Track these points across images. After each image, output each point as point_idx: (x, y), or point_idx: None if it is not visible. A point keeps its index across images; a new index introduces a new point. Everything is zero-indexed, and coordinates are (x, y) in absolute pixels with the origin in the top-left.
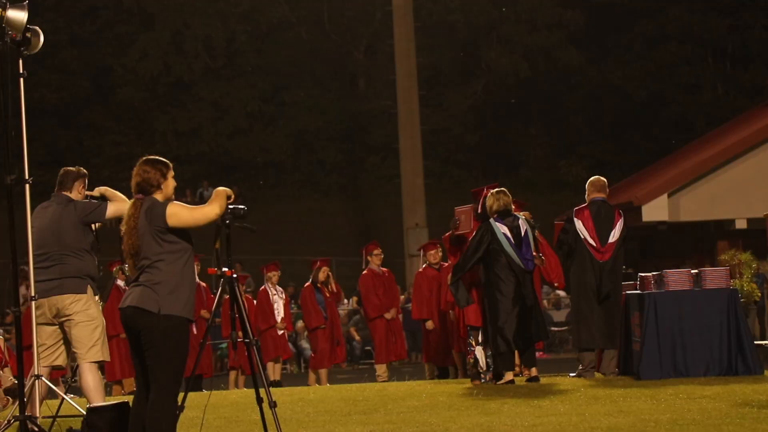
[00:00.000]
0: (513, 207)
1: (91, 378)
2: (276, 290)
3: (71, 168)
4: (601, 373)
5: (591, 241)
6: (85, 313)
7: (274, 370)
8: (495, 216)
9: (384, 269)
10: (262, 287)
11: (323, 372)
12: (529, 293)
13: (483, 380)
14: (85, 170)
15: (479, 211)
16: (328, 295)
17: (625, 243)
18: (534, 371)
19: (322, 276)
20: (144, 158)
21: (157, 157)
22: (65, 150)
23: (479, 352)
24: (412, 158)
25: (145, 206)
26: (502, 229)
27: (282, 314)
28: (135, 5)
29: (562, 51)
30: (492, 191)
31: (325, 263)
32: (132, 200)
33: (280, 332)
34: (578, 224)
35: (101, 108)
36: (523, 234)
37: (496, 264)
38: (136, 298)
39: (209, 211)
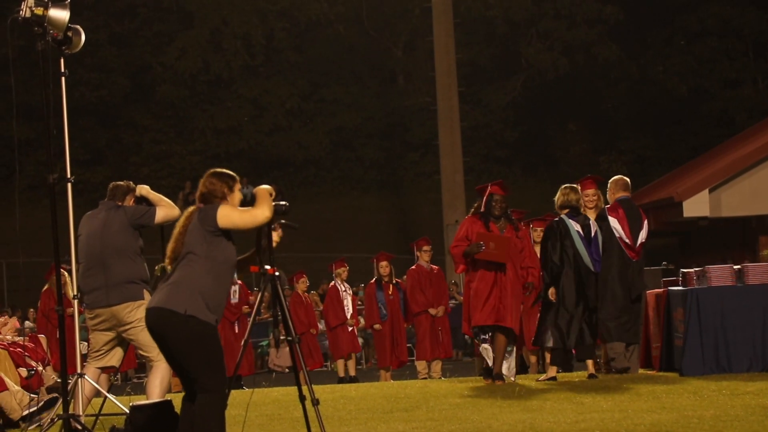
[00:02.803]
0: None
1: (164, 377)
2: (345, 286)
3: (120, 183)
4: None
5: (627, 240)
6: None
7: (347, 366)
8: (565, 212)
9: (434, 266)
10: (332, 283)
11: (383, 372)
12: (593, 295)
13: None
14: (134, 184)
15: (482, 209)
16: (390, 292)
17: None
18: (590, 365)
19: (383, 272)
20: (212, 171)
21: (224, 170)
22: (105, 148)
23: (485, 350)
24: (451, 155)
25: (201, 213)
26: (575, 226)
27: (351, 310)
28: (174, 3)
29: (601, 46)
30: (564, 186)
31: (384, 258)
32: (190, 208)
33: (350, 328)
34: (613, 222)
35: (140, 106)
36: (593, 234)
37: (564, 261)
38: (161, 299)
39: (259, 213)
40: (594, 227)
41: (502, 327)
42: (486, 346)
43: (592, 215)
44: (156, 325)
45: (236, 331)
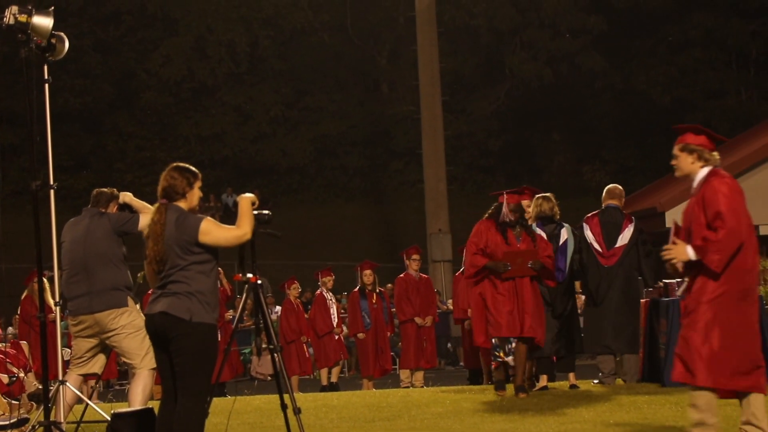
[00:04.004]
0: (557, 214)
1: (147, 385)
2: (330, 295)
3: (104, 189)
4: (623, 380)
5: (597, 246)
6: (131, 324)
7: (331, 374)
8: (536, 222)
9: (423, 275)
10: (318, 292)
11: (365, 381)
12: (558, 304)
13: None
14: (117, 192)
15: (499, 217)
16: (374, 300)
17: (644, 248)
18: (572, 377)
19: (367, 280)
20: (174, 165)
21: (187, 166)
22: (89, 155)
23: (503, 364)
24: (435, 163)
25: (174, 215)
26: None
27: (336, 319)
28: (159, 10)
29: (585, 56)
30: (537, 196)
31: (368, 266)
32: (156, 205)
33: (337, 336)
34: (586, 230)
35: (125, 113)
36: (560, 243)
37: None
38: (167, 305)
39: (242, 235)
40: (564, 236)
41: (524, 338)
42: (509, 358)
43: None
44: (161, 329)
45: (218, 338)
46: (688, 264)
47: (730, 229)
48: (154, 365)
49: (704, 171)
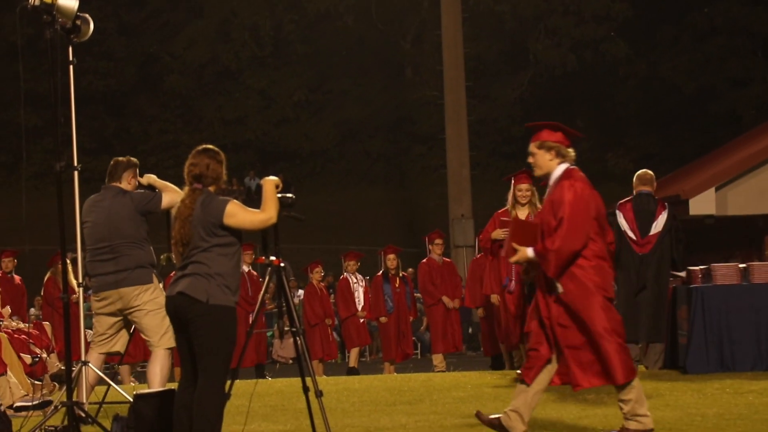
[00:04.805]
0: None
1: (164, 365)
2: (356, 278)
3: (121, 158)
4: (645, 366)
5: (630, 234)
6: (154, 301)
7: (352, 358)
8: None
9: (446, 259)
10: (342, 276)
11: (387, 365)
12: None
13: None
14: (135, 159)
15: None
16: (397, 285)
17: (676, 236)
18: None
19: (391, 264)
20: (202, 148)
21: (214, 148)
22: (112, 137)
23: None
24: (458, 149)
25: (202, 197)
26: None
27: (362, 302)
28: None
29: (609, 43)
30: None
31: (392, 251)
32: (188, 189)
33: (361, 320)
34: (619, 217)
35: (148, 96)
36: None
37: None
38: (185, 286)
39: (267, 219)
40: None
41: None
42: None
43: (524, 211)
44: (178, 311)
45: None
46: (534, 264)
47: (565, 238)
48: (172, 345)
49: (560, 169)
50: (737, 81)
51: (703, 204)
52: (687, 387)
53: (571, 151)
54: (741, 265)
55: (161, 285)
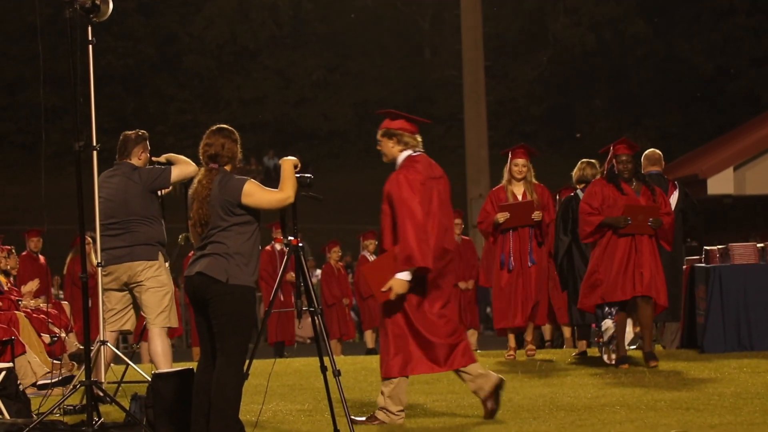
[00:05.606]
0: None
1: (159, 343)
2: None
3: (130, 132)
4: (663, 346)
5: None
6: (156, 279)
7: (368, 338)
8: (581, 186)
9: (465, 237)
10: (361, 255)
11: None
12: None
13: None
14: (144, 132)
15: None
16: None
17: (687, 216)
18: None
19: None
20: (217, 128)
21: (228, 127)
22: (130, 117)
23: (608, 329)
24: (476, 129)
25: (219, 177)
26: None
27: None
28: None
29: (628, 22)
30: (582, 160)
31: None
32: (204, 168)
33: None
34: None
35: (167, 75)
36: None
37: (575, 236)
38: (204, 265)
39: (285, 198)
40: None
41: (645, 297)
42: (611, 323)
43: (520, 187)
44: (198, 290)
45: (282, 299)
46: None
47: (407, 240)
48: (167, 324)
49: (402, 156)
50: (756, 60)
51: (721, 183)
52: (704, 366)
53: (417, 137)
54: (759, 245)
55: (167, 264)
